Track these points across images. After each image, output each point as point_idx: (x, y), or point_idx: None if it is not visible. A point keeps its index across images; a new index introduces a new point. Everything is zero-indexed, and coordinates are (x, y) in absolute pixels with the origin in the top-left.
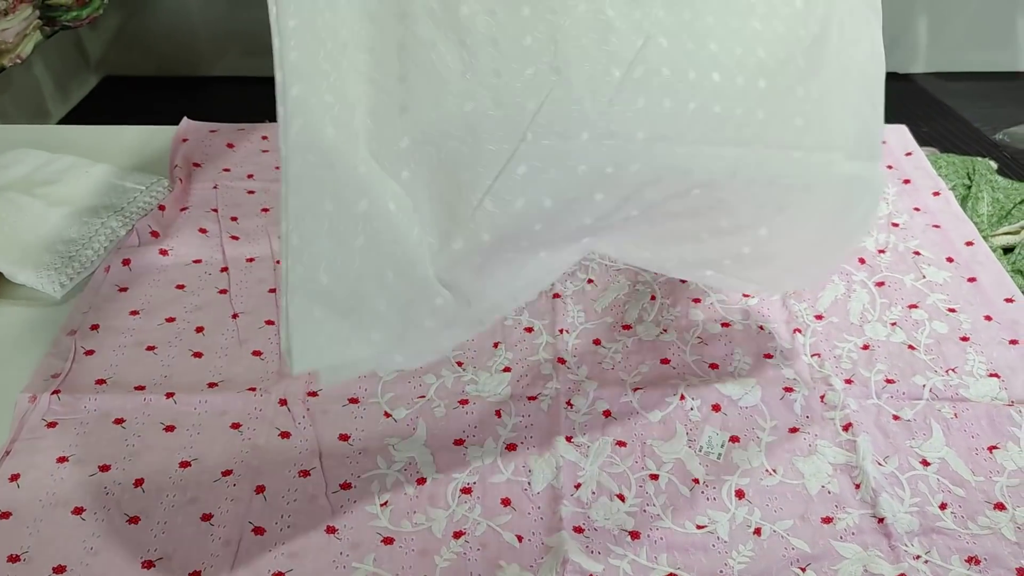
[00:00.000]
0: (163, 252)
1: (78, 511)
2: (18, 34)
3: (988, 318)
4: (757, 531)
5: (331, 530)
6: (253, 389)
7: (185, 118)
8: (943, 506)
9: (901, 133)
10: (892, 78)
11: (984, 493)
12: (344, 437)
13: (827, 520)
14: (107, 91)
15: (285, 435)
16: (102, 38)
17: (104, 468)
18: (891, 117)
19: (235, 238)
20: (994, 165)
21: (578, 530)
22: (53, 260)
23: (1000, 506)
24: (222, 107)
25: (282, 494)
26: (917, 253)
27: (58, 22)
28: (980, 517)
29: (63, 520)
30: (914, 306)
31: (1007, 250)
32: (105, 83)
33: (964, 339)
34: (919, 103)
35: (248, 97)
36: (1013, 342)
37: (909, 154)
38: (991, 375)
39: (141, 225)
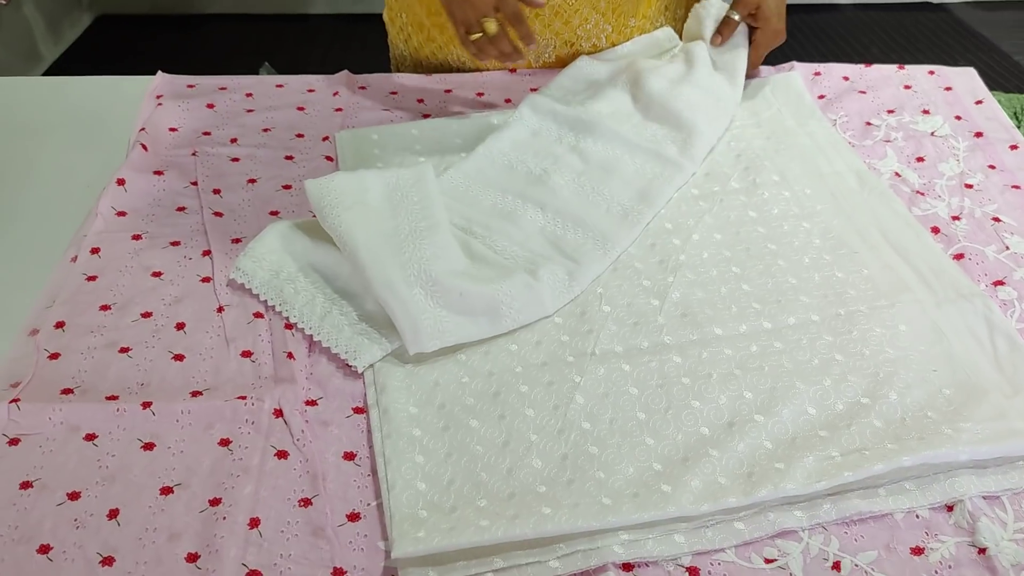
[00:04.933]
0: (136, 237)
1: (44, 549)
2: None
3: None
4: (836, 565)
5: (338, 572)
6: (243, 398)
7: (160, 72)
8: None
9: (970, 77)
10: (925, 8)
11: None
12: (350, 456)
13: (918, 551)
14: (101, 31)
15: (282, 455)
16: None
17: (73, 496)
18: (924, 52)
19: (218, 215)
20: None
21: (627, 568)
22: None
23: None
24: (219, 46)
25: (281, 528)
26: (996, 219)
27: None
28: None
29: (27, 561)
30: (1000, 283)
31: None
32: (99, 23)
33: None
34: (954, 35)
35: (246, 35)
36: None
37: (980, 102)
38: None
39: (104, 206)
